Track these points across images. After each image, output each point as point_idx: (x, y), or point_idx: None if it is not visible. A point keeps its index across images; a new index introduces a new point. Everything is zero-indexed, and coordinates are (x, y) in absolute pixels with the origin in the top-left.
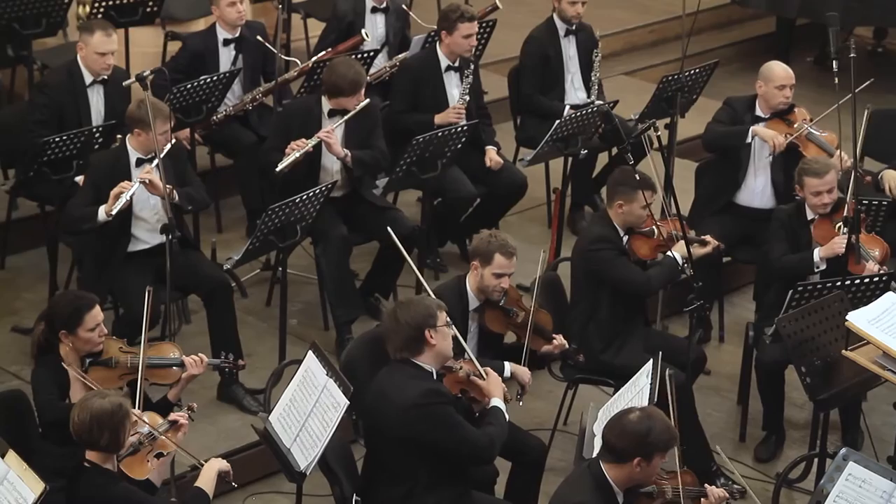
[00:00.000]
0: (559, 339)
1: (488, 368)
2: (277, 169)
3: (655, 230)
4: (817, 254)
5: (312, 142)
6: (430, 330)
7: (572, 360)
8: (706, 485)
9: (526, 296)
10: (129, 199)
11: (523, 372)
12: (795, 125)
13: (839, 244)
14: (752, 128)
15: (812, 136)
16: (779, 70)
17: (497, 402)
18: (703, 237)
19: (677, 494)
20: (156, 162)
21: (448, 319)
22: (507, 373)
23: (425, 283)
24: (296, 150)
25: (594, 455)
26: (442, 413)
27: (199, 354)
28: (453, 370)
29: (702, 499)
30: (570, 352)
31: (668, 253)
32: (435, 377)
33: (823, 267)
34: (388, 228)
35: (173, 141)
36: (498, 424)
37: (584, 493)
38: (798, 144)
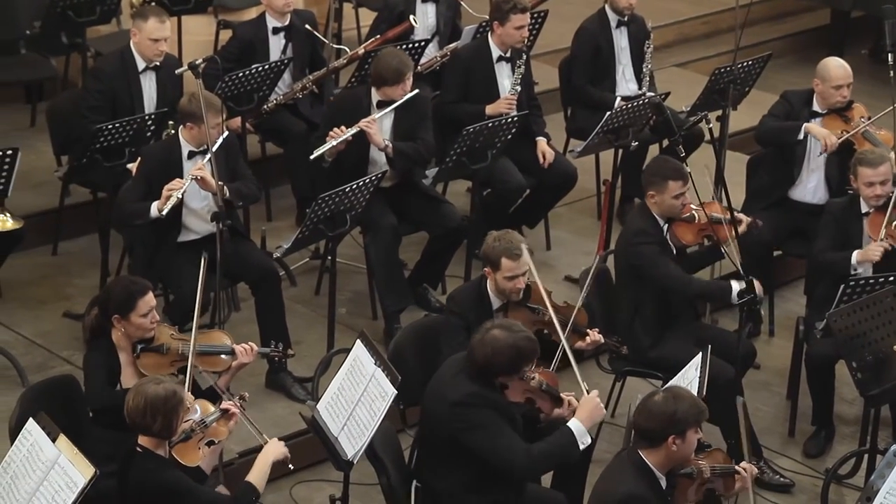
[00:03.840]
0: (594, 335)
1: (572, 398)
2: (312, 156)
3: (696, 215)
4: (855, 257)
5: (352, 130)
6: (506, 378)
7: (615, 353)
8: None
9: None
10: (180, 197)
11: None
12: (852, 122)
13: (875, 252)
14: (805, 125)
15: (868, 134)
16: (836, 71)
17: (575, 423)
18: (737, 216)
19: (714, 472)
20: (208, 157)
21: (533, 367)
22: None
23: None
24: (334, 138)
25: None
26: (480, 416)
27: (250, 343)
28: (524, 378)
29: (735, 476)
30: (609, 345)
31: (731, 283)
32: (497, 386)
33: (860, 271)
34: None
35: (226, 133)
36: (556, 445)
37: (628, 483)
38: (853, 142)
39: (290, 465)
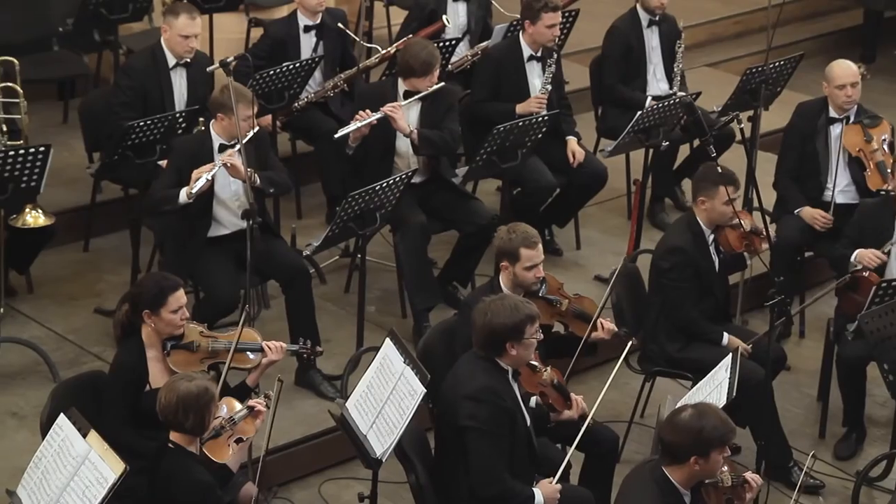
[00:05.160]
0: (608, 324)
1: (580, 399)
2: (336, 135)
3: (741, 222)
4: (855, 255)
5: (377, 115)
6: (514, 343)
7: (624, 336)
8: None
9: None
10: (209, 179)
11: (550, 492)
12: (872, 142)
13: (870, 258)
14: (798, 211)
15: (881, 165)
16: (837, 70)
17: (539, 497)
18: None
19: (736, 479)
20: (238, 146)
21: (538, 331)
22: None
23: None
24: (358, 120)
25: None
26: (488, 418)
27: (279, 342)
28: (536, 371)
29: (745, 486)
30: (620, 334)
31: (724, 335)
32: (510, 374)
33: (859, 267)
34: None
35: (257, 128)
36: (520, 495)
37: (652, 501)
38: (865, 160)
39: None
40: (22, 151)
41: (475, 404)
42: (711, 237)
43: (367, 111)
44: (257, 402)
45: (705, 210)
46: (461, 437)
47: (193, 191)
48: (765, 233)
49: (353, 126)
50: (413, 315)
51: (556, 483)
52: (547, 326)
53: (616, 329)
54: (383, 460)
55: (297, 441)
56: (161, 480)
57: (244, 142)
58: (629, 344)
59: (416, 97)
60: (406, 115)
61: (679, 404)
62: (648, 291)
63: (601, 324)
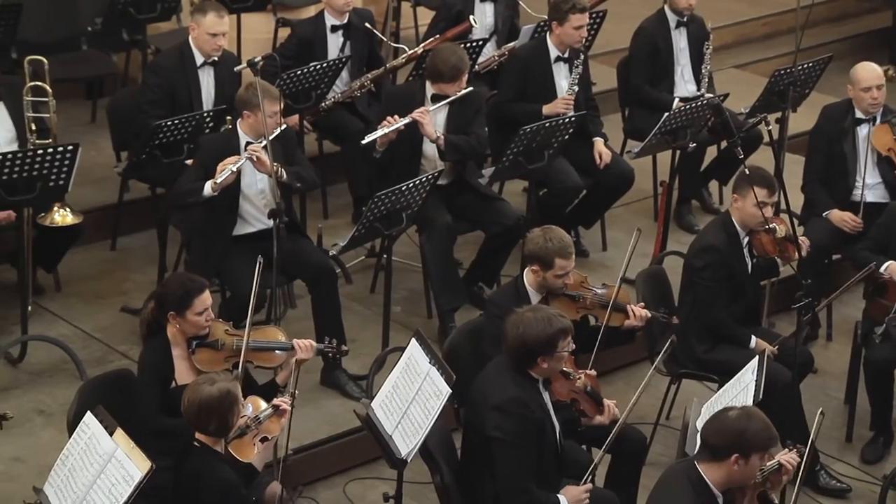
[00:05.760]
0: (640, 310)
1: (612, 404)
2: (364, 141)
3: (777, 227)
4: (885, 268)
5: (405, 120)
6: (546, 357)
7: (665, 320)
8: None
9: (626, 287)
10: (234, 171)
11: (575, 495)
12: None
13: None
14: (826, 214)
15: None
16: (863, 73)
17: (563, 502)
18: (800, 239)
19: (764, 475)
20: (264, 143)
21: (570, 344)
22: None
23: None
24: (386, 126)
25: (694, 454)
26: (515, 430)
27: (309, 340)
28: (570, 378)
29: (780, 469)
30: (657, 318)
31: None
32: (541, 383)
33: (887, 276)
34: None
35: (284, 126)
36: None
37: (685, 500)
38: (895, 159)
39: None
40: (50, 150)
41: (503, 416)
42: (746, 239)
43: (395, 116)
44: (282, 401)
45: (738, 209)
46: (488, 445)
47: (218, 181)
48: (797, 241)
49: (380, 132)
50: (439, 315)
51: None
52: (581, 319)
53: (649, 314)
54: (408, 460)
55: (322, 441)
56: (186, 479)
57: (271, 138)
58: (670, 340)
59: (444, 102)
60: (433, 119)
61: (705, 407)
62: (680, 290)
63: (632, 310)
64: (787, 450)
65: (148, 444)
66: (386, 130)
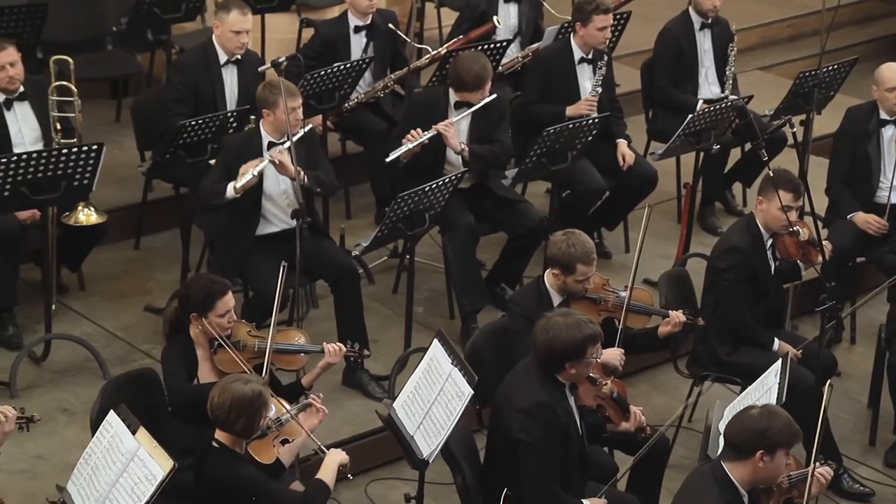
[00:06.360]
0: (677, 315)
1: (638, 411)
2: (388, 159)
3: (800, 231)
4: None
5: (429, 134)
6: (574, 363)
7: (691, 321)
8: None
9: (649, 289)
10: (256, 174)
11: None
12: None
13: None
14: (850, 216)
15: None
16: (887, 73)
17: None
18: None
19: (791, 481)
20: (287, 144)
21: (599, 351)
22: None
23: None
24: (410, 141)
25: (719, 454)
26: (541, 435)
27: (338, 344)
28: (596, 383)
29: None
30: (685, 316)
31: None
32: (567, 387)
33: None
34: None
35: (307, 127)
36: None
37: (711, 499)
38: None
39: (349, 476)
40: (75, 150)
41: (529, 419)
42: (769, 241)
43: (419, 130)
44: (314, 398)
45: (762, 211)
46: (513, 448)
47: (239, 184)
48: (820, 245)
49: (404, 148)
50: (461, 316)
51: (603, 496)
52: (608, 321)
53: (685, 319)
54: (430, 461)
55: (344, 441)
56: (206, 479)
57: (294, 139)
58: (698, 321)
59: (468, 111)
60: (457, 126)
61: (728, 409)
62: (703, 292)
63: (670, 315)
64: (818, 463)
65: (170, 442)
66: (410, 146)
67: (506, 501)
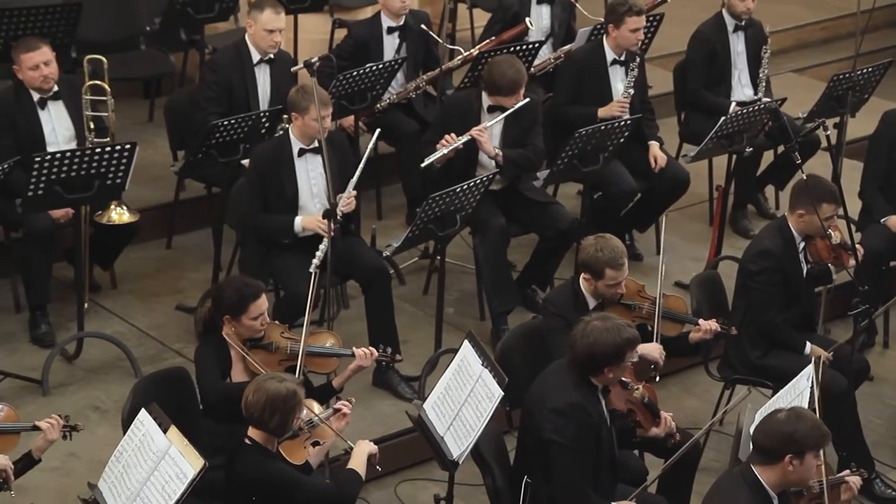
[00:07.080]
0: (708, 324)
1: (669, 417)
2: (423, 164)
3: (833, 234)
4: None
5: (463, 139)
6: (612, 367)
7: (724, 330)
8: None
9: (682, 296)
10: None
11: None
12: None
13: None
14: (884, 221)
15: None
16: None
17: None
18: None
19: (821, 486)
20: (493, 122)
21: (636, 355)
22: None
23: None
24: (445, 147)
25: (748, 457)
26: (573, 435)
27: (370, 348)
28: (628, 388)
29: (842, 485)
30: (719, 325)
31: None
32: (600, 389)
33: None
34: None
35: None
36: None
37: (741, 502)
38: None
39: (378, 468)
40: (108, 149)
41: (562, 420)
42: (802, 245)
43: (453, 135)
44: (344, 405)
45: (803, 222)
46: (545, 449)
47: (435, 157)
48: (852, 248)
49: (438, 153)
50: (491, 318)
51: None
52: (640, 327)
53: (718, 329)
54: (460, 462)
55: (374, 441)
56: (237, 476)
57: (371, 144)
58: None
59: (502, 116)
60: (490, 130)
61: (759, 413)
62: (734, 295)
63: (698, 322)
64: (849, 471)
65: (201, 441)
66: (444, 151)
67: (526, 490)
